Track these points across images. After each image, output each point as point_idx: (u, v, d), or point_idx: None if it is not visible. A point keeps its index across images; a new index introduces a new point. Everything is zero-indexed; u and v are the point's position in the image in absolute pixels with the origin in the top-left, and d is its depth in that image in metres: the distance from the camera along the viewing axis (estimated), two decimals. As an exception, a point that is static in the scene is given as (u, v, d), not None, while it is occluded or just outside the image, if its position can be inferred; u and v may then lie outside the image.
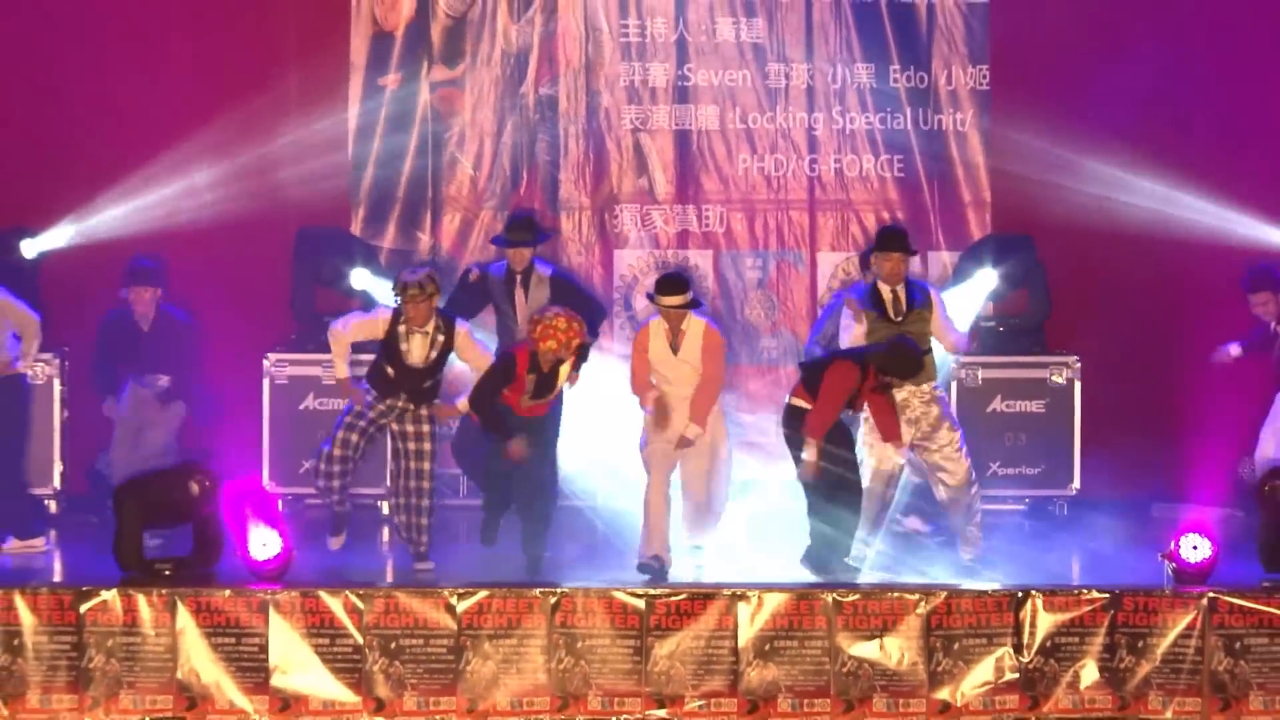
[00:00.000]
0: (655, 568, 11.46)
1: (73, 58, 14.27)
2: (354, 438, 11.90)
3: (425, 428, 11.92)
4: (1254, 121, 14.25)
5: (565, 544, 12.48)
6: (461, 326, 11.90)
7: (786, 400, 11.79)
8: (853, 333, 11.88)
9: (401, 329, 11.74)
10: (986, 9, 14.63)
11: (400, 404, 11.87)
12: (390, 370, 11.84)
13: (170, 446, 13.10)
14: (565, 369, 11.75)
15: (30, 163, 14.12)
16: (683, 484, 11.81)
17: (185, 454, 12.75)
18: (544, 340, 11.57)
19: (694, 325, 11.70)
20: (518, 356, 11.75)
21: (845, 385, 11.46)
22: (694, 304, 11.72)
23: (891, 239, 12.01)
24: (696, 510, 11.87)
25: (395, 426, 11.95)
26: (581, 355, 11.78)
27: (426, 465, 11.92)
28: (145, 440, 13.08)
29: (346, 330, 11.94)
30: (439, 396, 12.00)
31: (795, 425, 11.55)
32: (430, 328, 11.76)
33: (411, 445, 11.93)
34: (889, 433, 11.65)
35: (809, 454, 11.43)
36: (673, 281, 11.76)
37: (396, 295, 11.67)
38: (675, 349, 11.68)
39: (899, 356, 11.45)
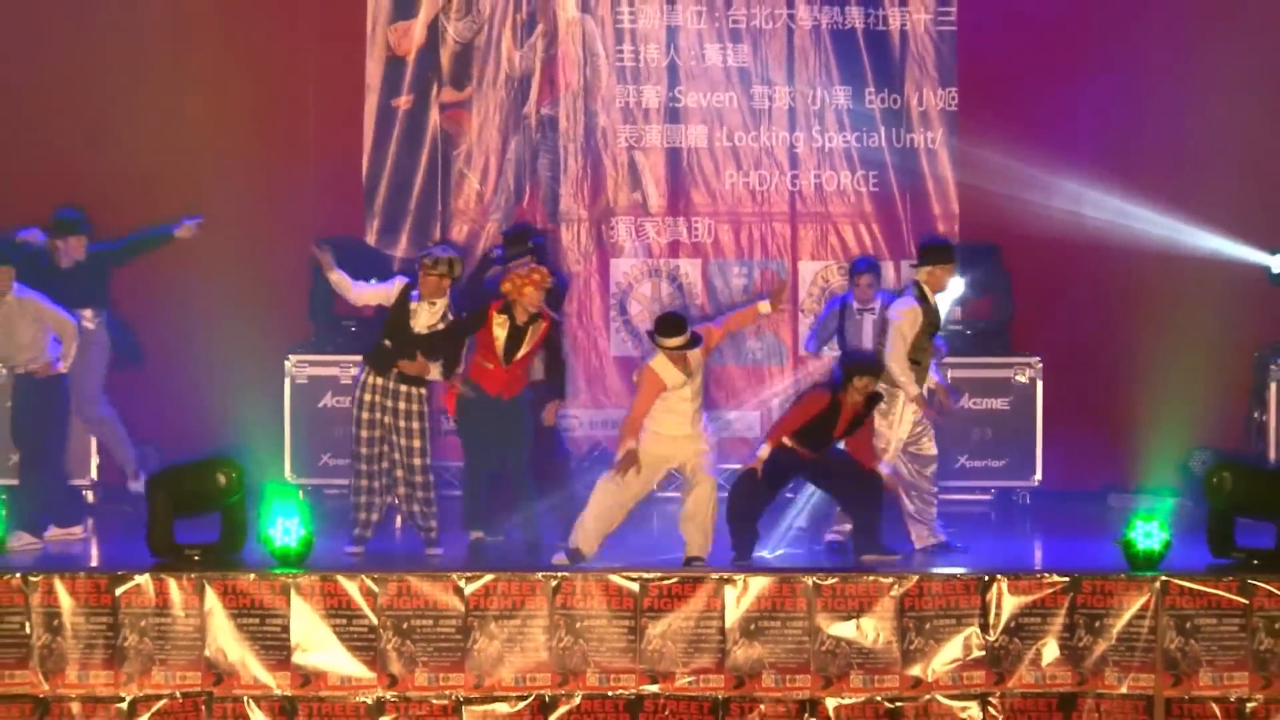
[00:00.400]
0: (576, 557, 11.49)
1: (113, 80, 14.27)
2: (371, 451, 11.91)
3: (415, 407, 11.87)
4: (1199, 142, 14.25)
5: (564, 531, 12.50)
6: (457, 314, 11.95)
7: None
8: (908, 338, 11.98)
9: (412, 303, 11.74)
10: (954, 36, 14.64)
11: (391, 384, 11.83)
12: (388, 342, 11.83)
13: (98, 390, 12.99)
14: (537, 330, 11.71)
15: (71, 176, 14.10)
16: (685, 512, 11.72)
17: (214, 448, 12.77)
18: (522, 286, 11.62)
19: (693, 355, 11.49)
20: (490, 307, 11.73)
21: (811, 409, 11.65)
22: (693, 342, 11.45)
23: (949, 250, 12.18)
24: (699, 533, 11.76)
25: (389, 420, 11.88)
26: (550, 344, 11.85)
27: (418, 444, 11.87)
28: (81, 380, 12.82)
29: (361, 292, 11.89)
30: (426, 387, 11.96)
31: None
32: (440, 304, 11.77)
33: (402, 424, 11.86)
34: (868, 461, 11.74)
35: (761, 453, 11.64)
36: (673, 324, 11.51)
37: (420, 265, 11.71)
38: (687, 370, 11.47)
39: (864, 360, 11.70)
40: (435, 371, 11.85)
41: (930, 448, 12.15)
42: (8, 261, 12.32)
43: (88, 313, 12.84)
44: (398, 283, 11.88)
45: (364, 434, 11.90)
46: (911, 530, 12.19)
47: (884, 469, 11.84)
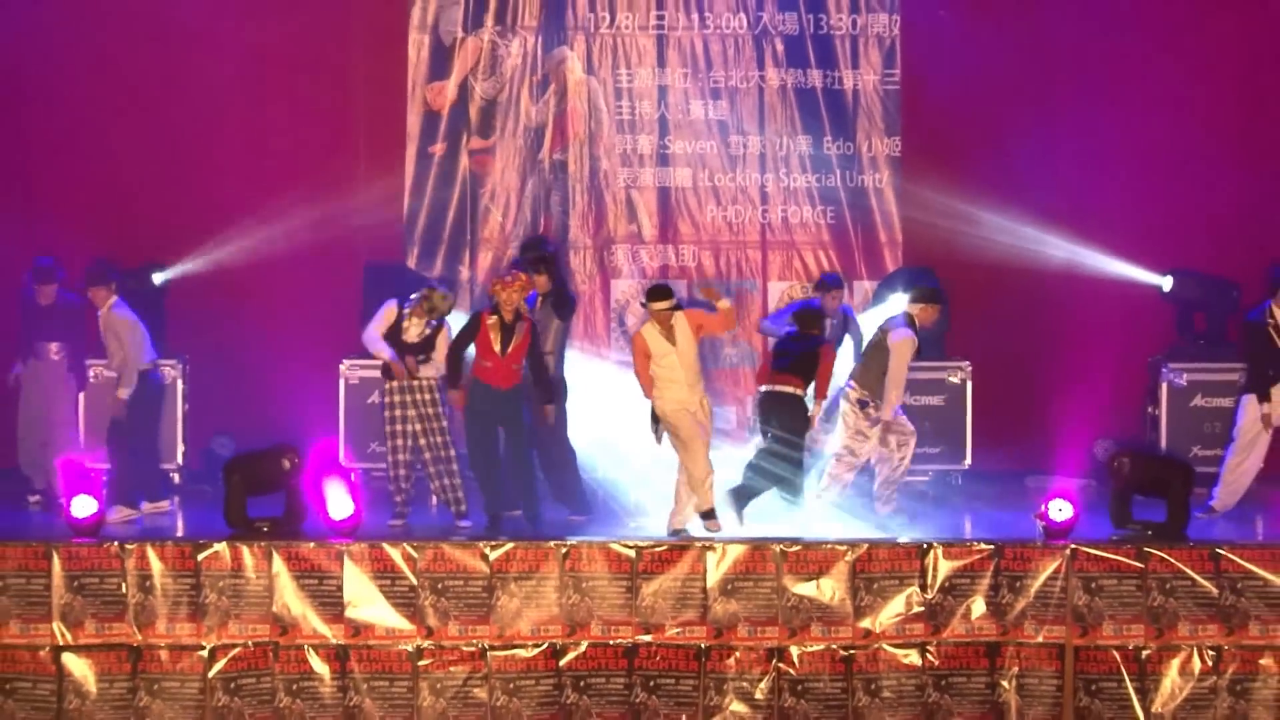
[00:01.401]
0: (715, 527, 11.41)
1: (195, 130, 14.23)
2: (403, 442, 11.96)
3: (428, 396, 11.96)
4: (1103, 184, 14.25)
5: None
6: (447, 324, 12.05)
7: (772, 389, 11.81)
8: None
9: (406, 315, 11.90)
10: (898, 94, 14.63)
11: (406, 383, 11.92)
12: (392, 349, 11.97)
13: (70, 415, 12.89)
14: (521, 327, 11.66)
15: (160, 212, 14.09)
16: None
17: (280, 438, 12.73)
18: (503, 290, 11.59)
19: (677, 319, 11.56)
20: (482, 314, 11.75)
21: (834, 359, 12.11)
22: (678, 306, 11.58)
23: (939, 294, 12.37)
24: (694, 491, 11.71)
25: (412, 411, 11.95)
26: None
27: (437, 425, 11.96)
28: (50, 409, 12.78)
29: (374, 332, 12.00)
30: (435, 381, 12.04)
31: (786, 405, 11.74)
32: (425, 320, 11.96)
33: (421, 414, 11.94)
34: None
35: (815, 409, 11.91)
36: (660, 290, 11.62)
37: (424, 300, 11.89)
38: (671, 340, 11.53)
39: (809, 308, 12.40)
40: (431, 369, 11.97)
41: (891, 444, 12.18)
42: (107, 281, 12.31)
43: (54, 346, 12.75)
44: (388, 306, 12.01)
45: (393, 429, 11.96)
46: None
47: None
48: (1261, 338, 12.17)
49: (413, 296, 12.00)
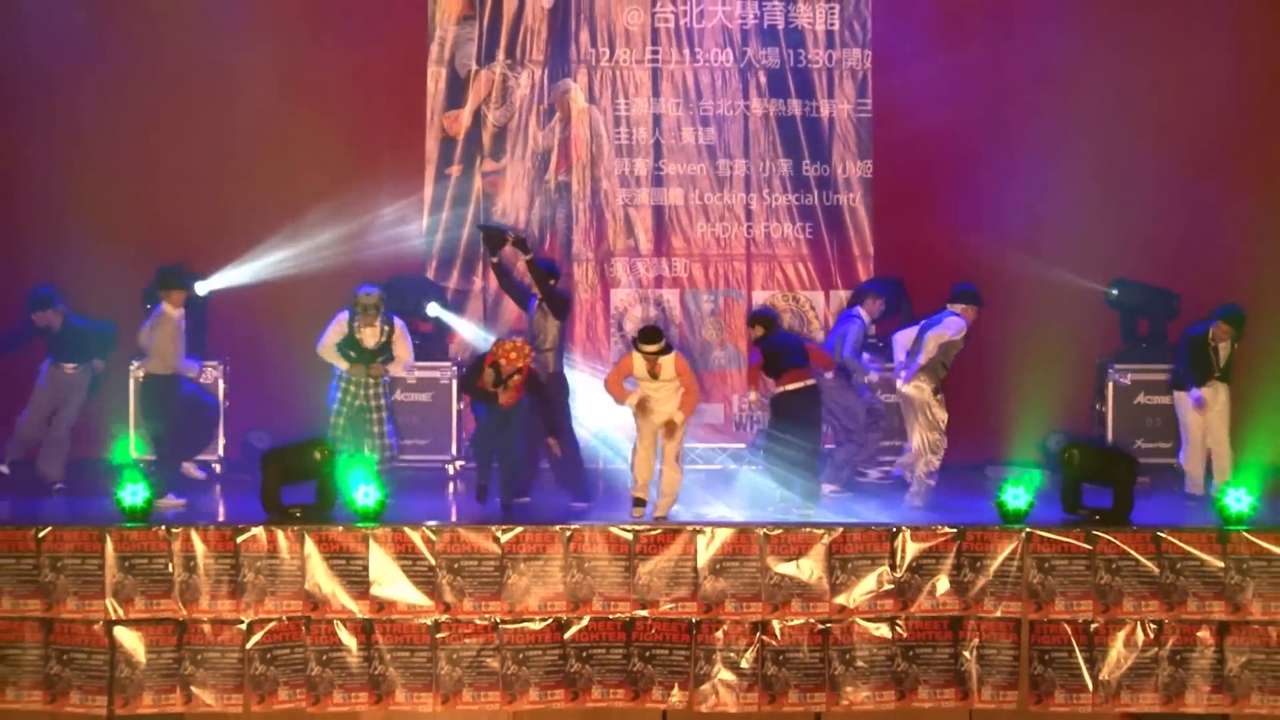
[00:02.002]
0: (643, 502, 11.43)
1: (234, 153, 14.22)
2: (341, 420, 12.23)
3: (376, 393, 12.23)
4: (1054, 201, 14.24)
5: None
6: (398, 324, 12.28)
7: (784, 389, 11.83)
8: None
9: (358, 325, 12.14)
10: (870, 121, 14.62)
11: (358, 381, 12.14)
12: (353, 354, 12.13)
13: (74, 417, 12.89)
14: (516, 379, 11.61)
15: (203, 227, 14.06)
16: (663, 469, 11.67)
17: (312, 432, 12.73)
18: (501, 357, 11.58)
19: (666, 361, 11.48)
20: (484, 359, 11.75)
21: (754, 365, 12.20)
22: (666, 349, 11.45)
23: (977, 295, 12.39)
24: (664, 490, 11.68)
25: (359, 404, 12.19)
26: (532, 384, 11.79)
27: (376, 417, 12.24)
28: (61, 411, 12.83)
29: (326, 342, 12.23)
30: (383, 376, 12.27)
31: (806, 402, 11.84)
32: (378, 324, 12.17)
33: (372, 412, 12.21)
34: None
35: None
36: (651, 333, 11.51)
37: (355, 305, 12.15)
38: (654, 375, 11.47)
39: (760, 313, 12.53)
40: (397, 369, 12.32)
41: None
42: (182, 285, 12.30)
43: (69, 366, 12.80)
44: (339, 319, 12.23)
45: (336, 420, 12.21)
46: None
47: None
48: (1201, 351, 12.43)
49: (362, 299, 12.18)
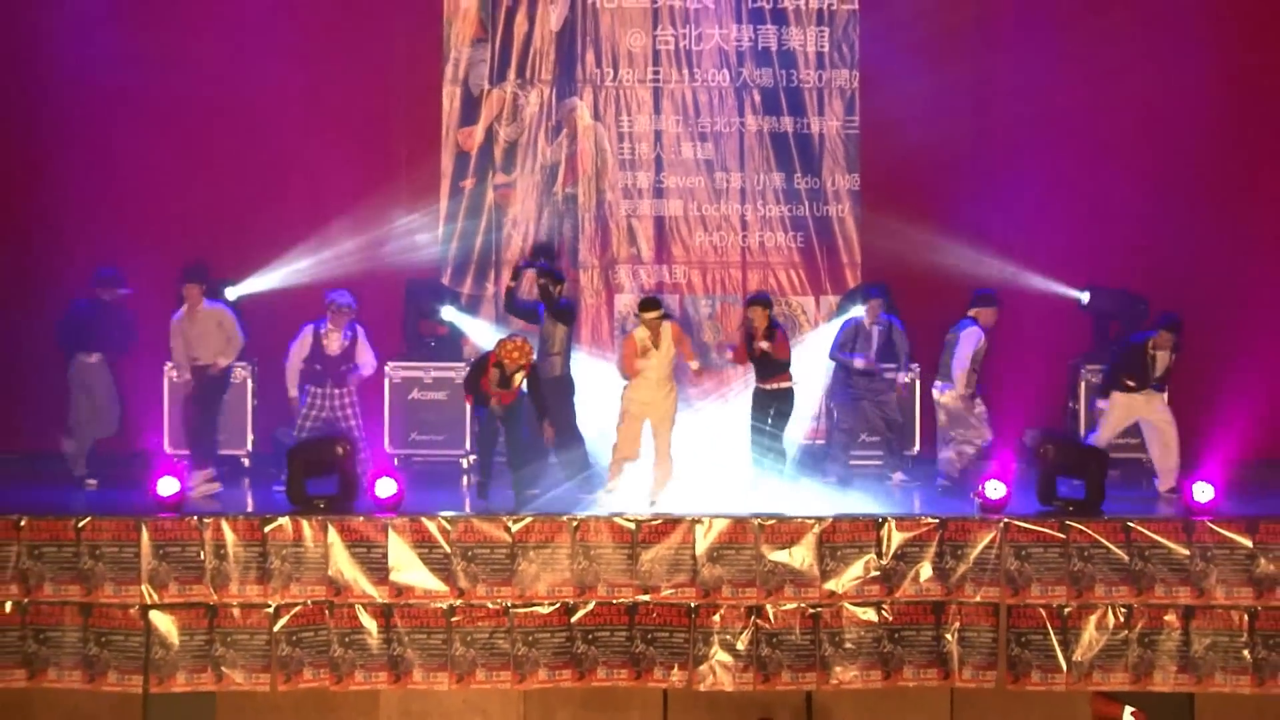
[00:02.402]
0: (610, 482, 11.49)
1: (261, 167, 14.20)
2: (309, 424, 12.44)
3: (347, 401, 12.46)
4: (1032, 213, 14.21)
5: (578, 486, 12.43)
6: (360, 332, 12.49)
7: (777, 387, 12.03)
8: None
9: (323, 333, 12.32)
10: (858, 137, 14.60)
11: (326, 389, 12.37)
12: (318, 366, 12.31)
13: (112, 403, 12.74)
14: (519, 376, 11.61)
15: (231, 236, 14.03)
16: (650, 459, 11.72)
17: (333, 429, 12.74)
18: (504, 356, 11.56)
19: (664, 327, 11.75)
20: (489, 358, 11.72)
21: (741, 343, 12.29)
22: (666, 315, 11.80)
23: (993, 298, 12.62)
24: (657, 477, 11.71)
25: (328, 414, 12.39)
26: (532, 384, 11.74)
27: (353, 423, 12.46)
28: (96, 396, 12.69)
29: (292, 361, 12.49)
30: (348, 381, 12.44)
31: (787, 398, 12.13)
32: (343, 331, 12.40)
33: (342, 414, 12.42)
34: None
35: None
36: (651, 301, 11.92)
37: (330, 309, 12.40)
38: (656, 345, 11.72)
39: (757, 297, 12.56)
40: (367, 371, 12.59)
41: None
42: (199, 279, 12.31)
43: (94, 355, 12.67)
44: (306, 331, 12.43)
45: (302, 423, 12.40)
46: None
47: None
48: (1139, 357, 12.32)
49: (335, 304, 12.40)
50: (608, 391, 12.61)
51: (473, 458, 13.35)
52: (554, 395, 12.18)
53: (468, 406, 12.59)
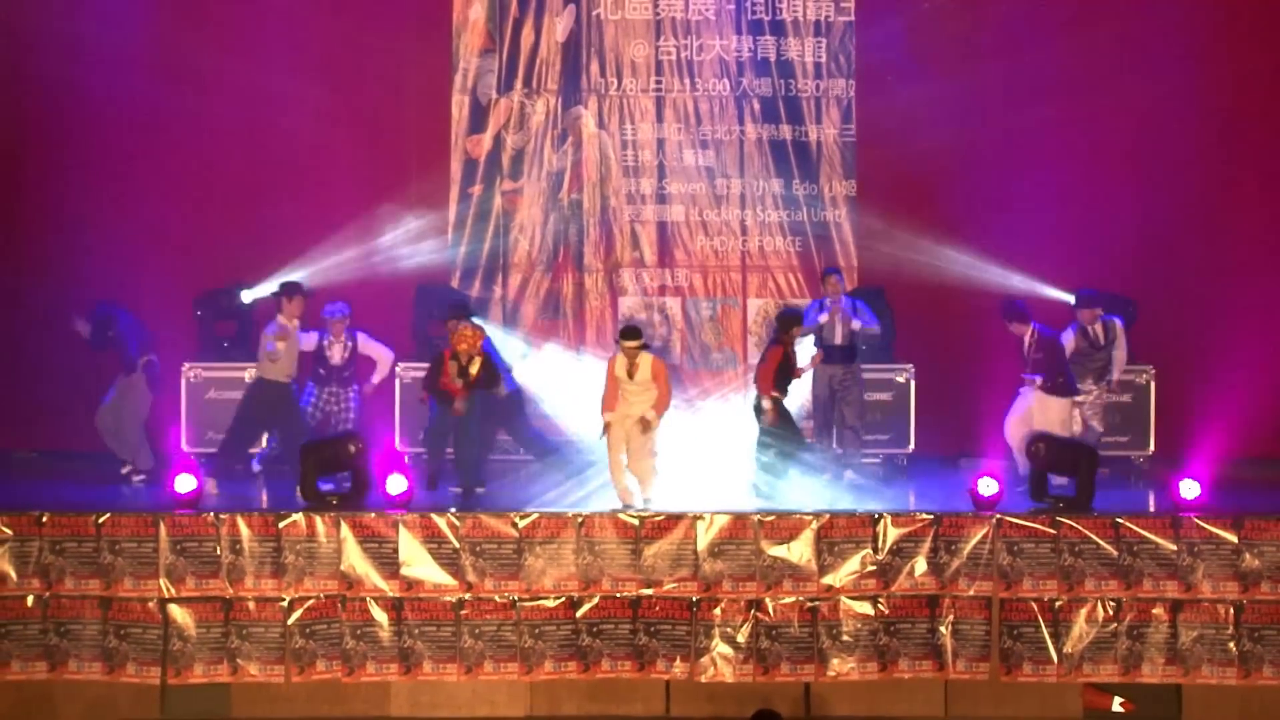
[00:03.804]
0: (625, 504, 11.38)
1: (274, 174, 14.22)
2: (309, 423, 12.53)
3: (347, 403, 12.60)
4: (1026, 220, 14.15)
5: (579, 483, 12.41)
6: (362, 335, 12.62)
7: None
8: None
9: (326, 343, 12.56)
10: (854, 145, 14.58)
11: (330, 390, 12.53)
12: (322, 370, 12.46)
13: (143, 407, 12.75)
14: (475, 364, 11.68)
15: (246, 242, 14.02)
16: (629, 463, 11.58)
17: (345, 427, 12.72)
18: (459, 344, 11.64)
19: (644, 358, 11.49)
20: (444, 354, 11.77)
21: (773, 361, 12.06)
22: (644, 346, 11.51)
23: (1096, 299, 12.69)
24: (640, 478, 11.64)
25: (330, 411, 12.53)
26: (486, 366, 11.80)
27: (347, 416, 12.59)
28: (127, 403, 12.73)
29: (301, 342, 12.53)
30: (351, 384, 12.66)
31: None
32: (343, 339, 12.55)
33: (342, 417, 12.57)
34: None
35: (767, 405, 11.93)
36: (632, 330, 11.58)
37: (329, 325, 12.55)
38: (631, 375, 11.45)
39: (790, 314, 12.45)
40: (384, 370, 12.75)
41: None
42: (302, 293, 12.53)
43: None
44: (314, 335, 12.57)
45: (311, 423, 12.53)
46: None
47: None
48: (1059, 351, 12.38)
49: (331, 317, 12.55)
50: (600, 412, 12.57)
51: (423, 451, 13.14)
52: (505, 414, 12.55)
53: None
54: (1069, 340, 12.59)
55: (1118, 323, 12.82)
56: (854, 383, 13.00)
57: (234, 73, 14.09)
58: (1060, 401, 12.34)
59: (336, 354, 12.60)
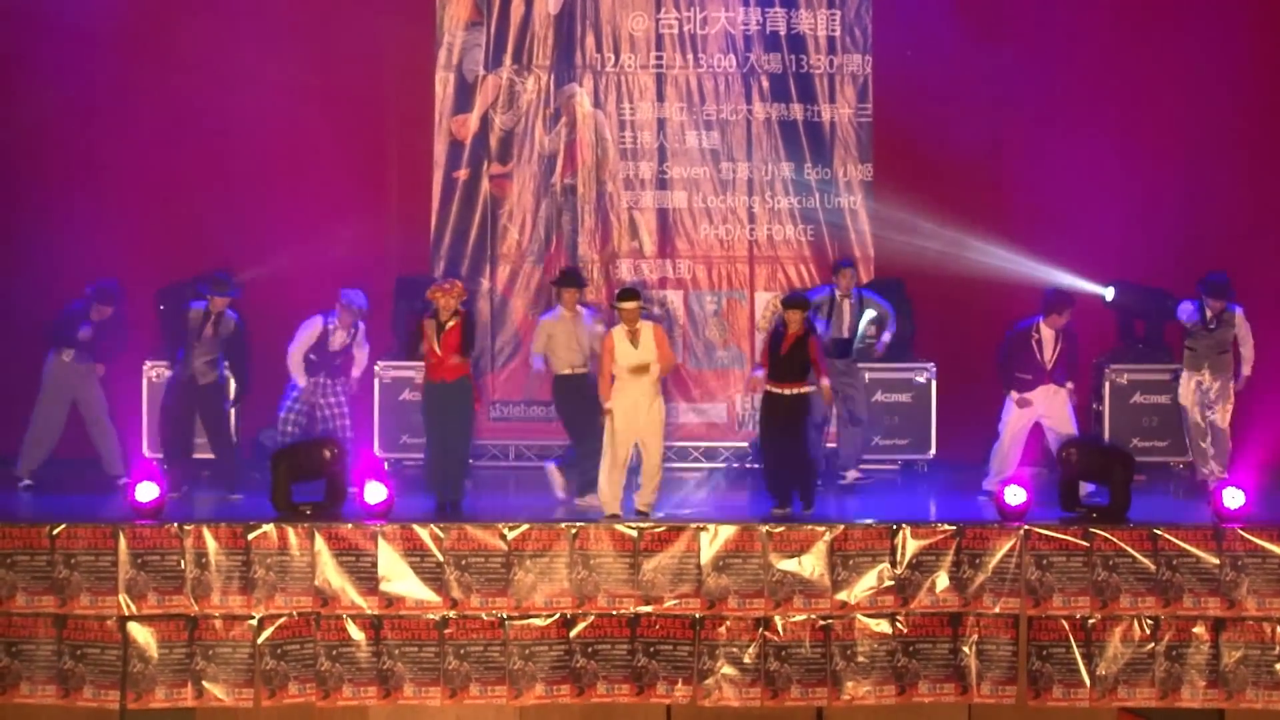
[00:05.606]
0: (609, 513, 11.35)
1: (248, 160, 14.19)
2: (295, 417, 12.79)
3: (337, 398, 12.79)
4: (1054, 207, 14.19)
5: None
6: (363, 329, 12.91)
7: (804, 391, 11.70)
8: None
9: (331, 328, 12.75)
10: (870, 126, 14.56)
11: (321, 380, 12.71)
12: (314, 356, 12.63)
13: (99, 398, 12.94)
14: (453, 323, 11.71)
15: (218, 232, 14.00)
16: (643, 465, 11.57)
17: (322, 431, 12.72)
18: (439, 297, 11.74)
19: (645, 326, 11.52)
20: (423, 319, 11.85)
21: (766, 342, 11.99)
22: (644, 307, 11.56)
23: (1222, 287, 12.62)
24: (646, 478, 11.60)
25: (318, 406, 12.72)
26: (465, 329, 11.83)
27: (344, 423, 12.80)
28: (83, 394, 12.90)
29: (299, 348, 12.78)
30: (339, 376, 12.82)
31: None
32: (349, 328, 12.81)
33: (330, 412, 12.75)
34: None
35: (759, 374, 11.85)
36: (629, 292, 11.61)
37: (341, 308, 12.76)
38: (634, 344, 11.45)
39: (794, 298, 12.15)
40: (357, 369, 12.93)
41: None
42: (577, 284, 12.66)
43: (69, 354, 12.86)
44: (315, 320, 12.78)
45: (294, 417, 12.75)
46: None
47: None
48: (1023, 347, 12.38)
49: (351, 305, 12.76)
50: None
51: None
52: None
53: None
54: (1188, 316, 12.57)
55: (1238, 312, 12.76)
56: (854, 376, 13.03)
57: (198, 46, 14.08)
58: (1064, 394, 12.37)
59: (338, 340, 12.75)
